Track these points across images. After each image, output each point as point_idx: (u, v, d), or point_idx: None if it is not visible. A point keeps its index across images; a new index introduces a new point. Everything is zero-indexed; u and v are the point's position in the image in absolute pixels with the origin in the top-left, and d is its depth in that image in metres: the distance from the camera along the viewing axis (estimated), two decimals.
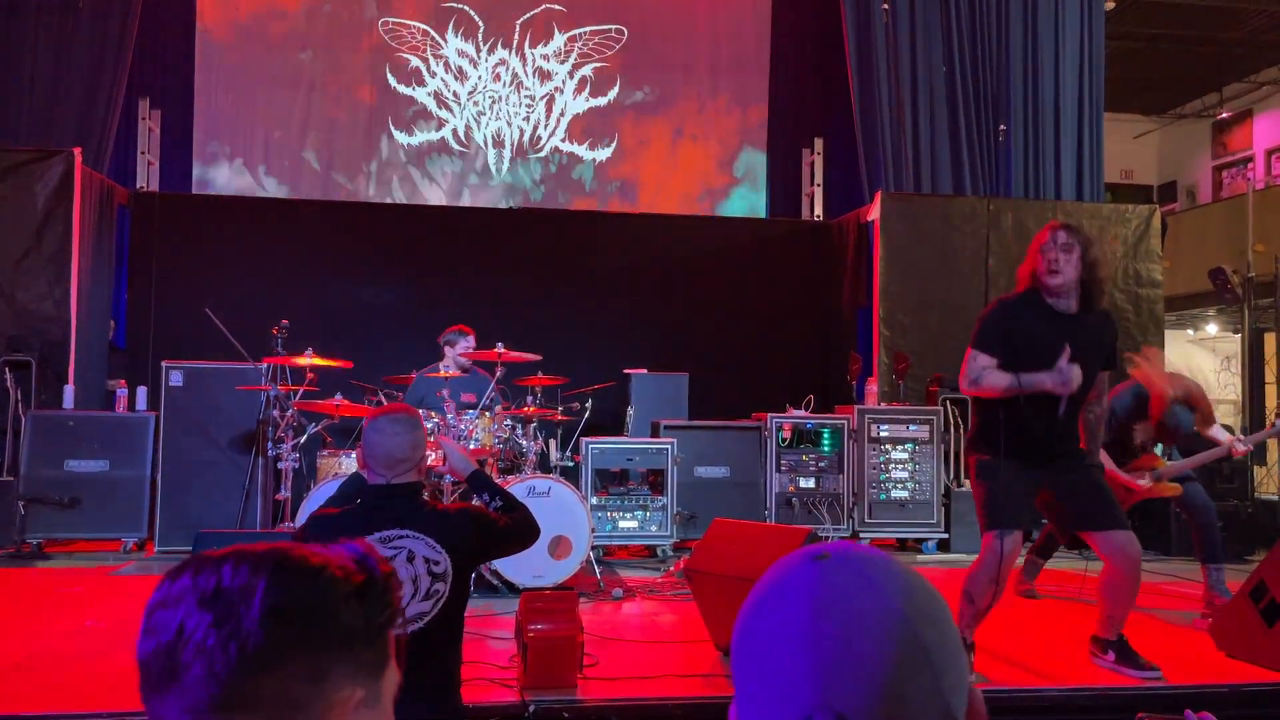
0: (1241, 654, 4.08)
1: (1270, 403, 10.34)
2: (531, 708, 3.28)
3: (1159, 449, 5.24)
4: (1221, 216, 12.07)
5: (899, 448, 7.21)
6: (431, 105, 9.82)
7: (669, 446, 6.71)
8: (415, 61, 9.79)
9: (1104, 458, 5.15)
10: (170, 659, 0.84)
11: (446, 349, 6.47)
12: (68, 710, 3.30)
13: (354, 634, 0.88)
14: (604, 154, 10.08)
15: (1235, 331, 11.43)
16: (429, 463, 2.84)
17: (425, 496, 2.87)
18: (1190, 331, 13.35)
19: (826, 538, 6.71)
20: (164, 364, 6.77)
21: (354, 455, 5.76)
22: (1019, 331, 3.80)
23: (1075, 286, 3.76)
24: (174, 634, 0.84)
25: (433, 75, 9.83)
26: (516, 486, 5.32)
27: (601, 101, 10.09)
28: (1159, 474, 5.15)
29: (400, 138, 9.77)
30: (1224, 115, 14.45)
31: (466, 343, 6.45)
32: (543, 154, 10.02)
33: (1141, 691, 3.67)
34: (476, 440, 5.62)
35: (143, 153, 9.05)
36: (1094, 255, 3.76)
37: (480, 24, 9.93)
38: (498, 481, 5.58)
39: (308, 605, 0.86)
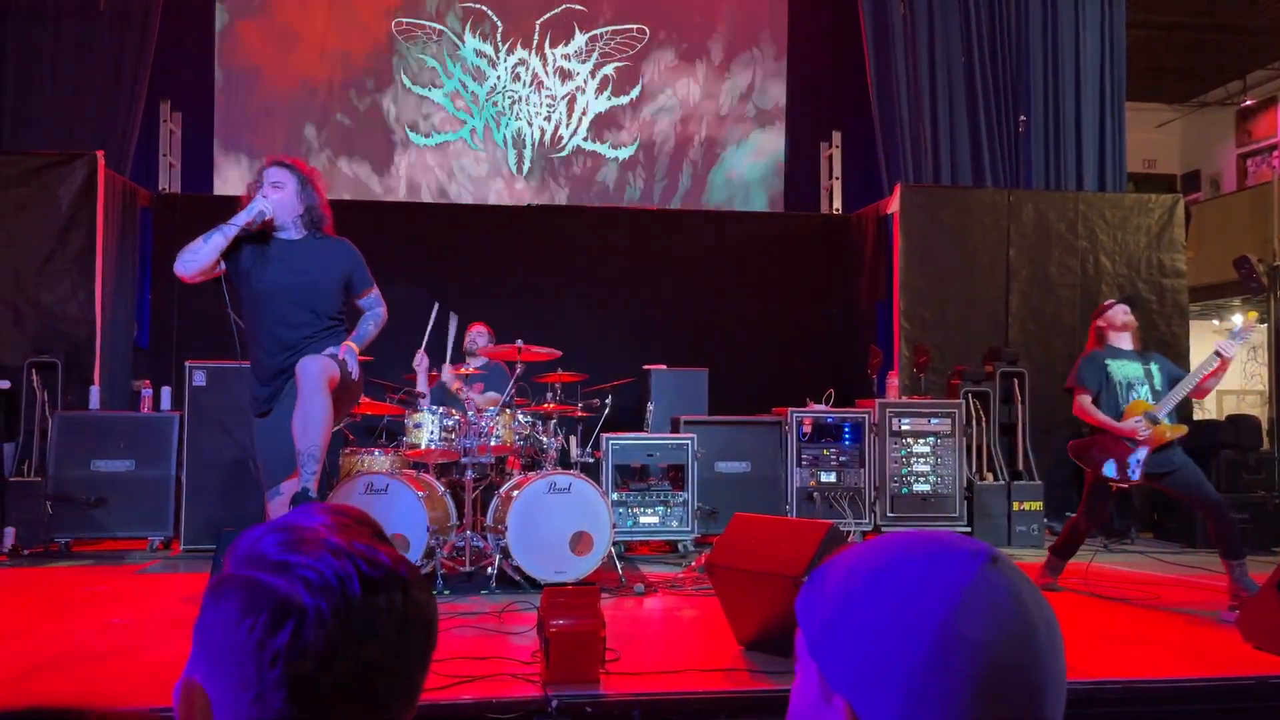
0: (1268, 645, 4.04)
1: None
2: (554, 702, 3.29)
3: (1144, 392, 5.10)
4: (1246, 205, 11.95)
5: (920, 441, 7.18)
6: (449, 105, 9.84)
7: (689, 442, 6.71)
8: (431, 62, 9.82)
9: (1097, 413, 5.09)
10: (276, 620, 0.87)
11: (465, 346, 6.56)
12: (96, 707, 3.32)
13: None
14: (625, 153, 10.08)
15: (1261, 321, 11.31)
16: None
17: None
18: (1215, 321, 13.23)
19: (849, 533, 6.68)
20: (187, 364, 6.81)
21: (377, 453, 5.80)
22: (248, 253, 4.49)
23: (297, 218, 4.55)
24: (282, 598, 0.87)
25: (449, 76, 9.85)
26: (537, 482, 5.34)
27: (623, 100, 10.09)
28: (1153, 416, 5.03)
29: (417, 138, 9.80)
30: (1248, 103, 14.30)
31: (476, 337, 6.52)
32: (564, 153, 10.03)
33: (1171, 685, 3.64)
34: (498, 437, 5.63)
35: (164, 154, 9.13)
36: (308, 195, 4.64)
37: (499, 24, 9.95)
38: (518, 478, 5.60)
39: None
